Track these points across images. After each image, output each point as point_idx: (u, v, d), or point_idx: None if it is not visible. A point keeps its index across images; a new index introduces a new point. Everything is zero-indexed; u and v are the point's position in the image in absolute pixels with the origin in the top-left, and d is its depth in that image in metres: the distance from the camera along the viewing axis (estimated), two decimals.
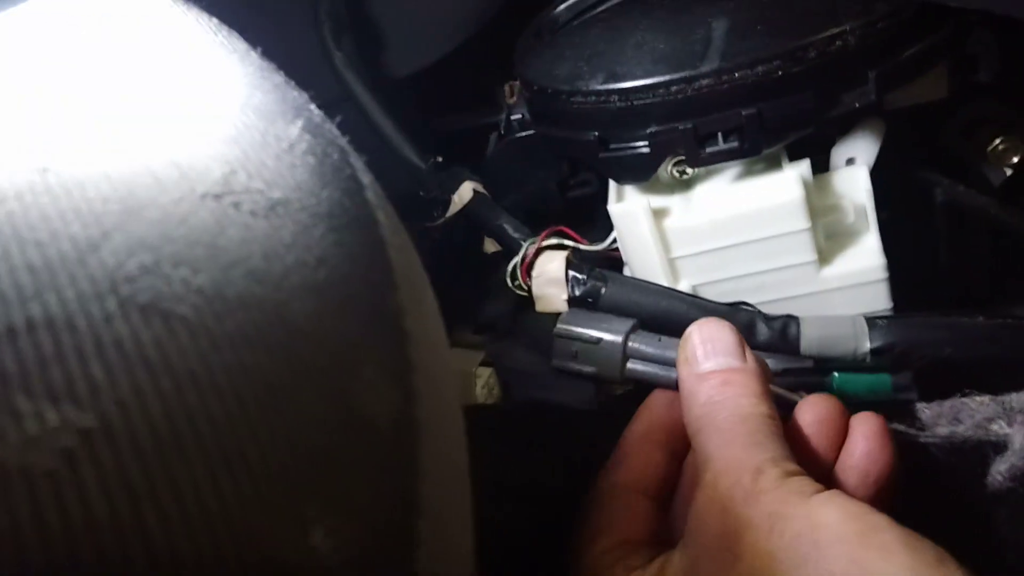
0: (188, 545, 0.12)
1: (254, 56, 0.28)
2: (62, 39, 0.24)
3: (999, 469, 0.39)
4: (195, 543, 0.12)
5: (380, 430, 0.16)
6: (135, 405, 0.13)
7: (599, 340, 0.44)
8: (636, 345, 0.44)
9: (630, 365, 0.44)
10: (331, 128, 0.27)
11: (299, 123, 0.24)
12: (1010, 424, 0.40)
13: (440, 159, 0.58)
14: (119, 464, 0.12)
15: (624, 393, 0.47)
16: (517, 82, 0.53)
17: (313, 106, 0.27)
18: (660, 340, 0.44)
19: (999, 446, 0.39)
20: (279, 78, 0.28)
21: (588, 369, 0.45)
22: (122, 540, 0.12)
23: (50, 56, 0.23)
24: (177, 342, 0.14)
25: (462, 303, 0.62)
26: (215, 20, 0.29)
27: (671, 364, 0.43)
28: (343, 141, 0.26)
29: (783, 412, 0.40)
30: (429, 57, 0.65)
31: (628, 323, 0.44)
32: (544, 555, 0.50)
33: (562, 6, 0.50)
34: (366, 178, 0.25)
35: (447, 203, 0.56)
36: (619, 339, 0.44)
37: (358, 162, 0.26)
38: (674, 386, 0.42)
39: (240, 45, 0.28)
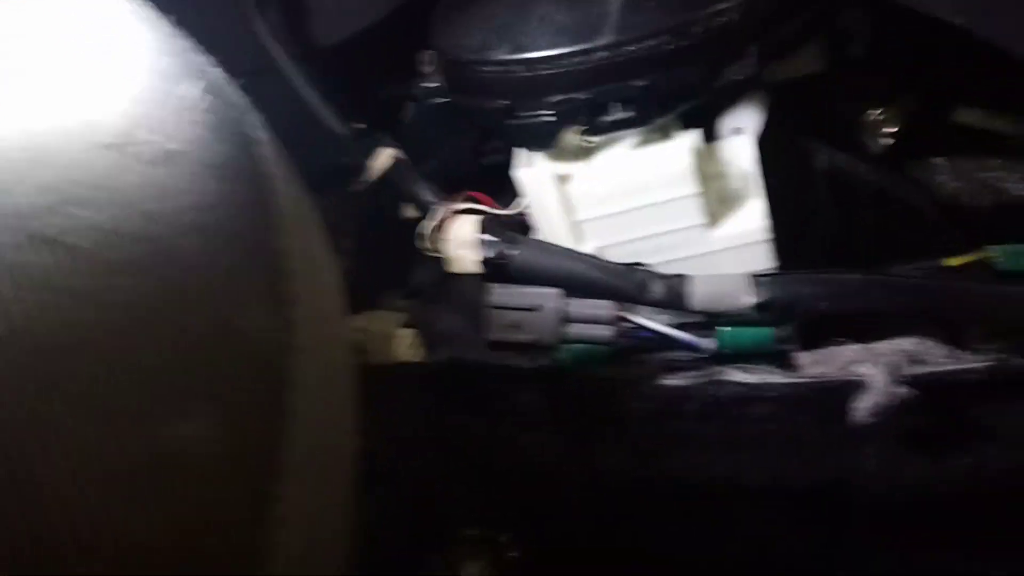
0: (90, 429, 0.15)
1: (163, 24, 0.30)
2: None
3: (863, 406, 0.43)
4: (96, 427, 0.15)
5: (255, 347, 0.19)
6: (39, 317, 0.15)
7: (539, 306, 0.47)
8: (572, 308, 0.47)
9: (568, 328, 0.47)
10: (233, 91, 0.29)
11: (201, 84, 0.26)
12: (873, 366, 0.44)
13: (362, 126, 0.60)
14: (26, 364, 0.15)
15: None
16: (431, 51, 0.55)
17: (217, 69, 0.30)
18: (589, 302, 0.47)
19: (862, 385, 0.43)
20: (185, 43, 0.30)
21: (528, 337, 0.47)
22: (37, 428, 0.14)
23: None
24: (77, 269, 0.17)
25: (390, 269, 0.65)
26: None
27: (605, 322, 0.46)
28: (244, 102, 0.29)
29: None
30: (356, 26, 0.66)
31: (556, 291, 0.47)
32: (468, 501, 0.53)
33: None
34: (262, 136, 0.27)
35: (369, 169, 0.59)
36: (557, 304, 0.47)
37: (255, 121, 0.28)
38: (610, 343, 0.46)
39: (150, 13, 0.30)
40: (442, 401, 0.53)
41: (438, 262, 0.54)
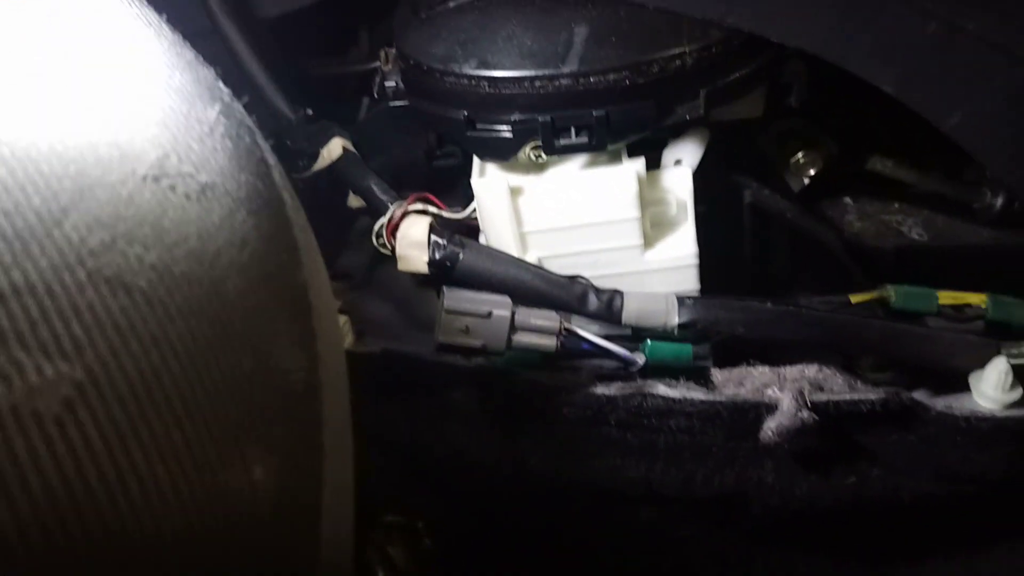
0: (163, 472, 0.16)
1: (166, 29, 0.30)
2: None
3: (769, 426, 0.48)
4: (169, 471, 0.16)
5: (294, 388, 0.20)
6: (113, 362, 0.16)
7: (490, 313, 0.48)
8: (521, 317, 0.49)
9: (516, 336, 0.49)
10: (240, 108, 0.29)
11: (216, 106, 0.27)
12: (781, 390, 0.49)
13: (310, 111, 0.61)
14: (107, 410, 0.16)
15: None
16: (393, 49, 0.56)
17: (222, 84, 0.30)
18: (535, 312, 0.49)
19: (771, 407, 0.48)
20: (190, 54, 0.30)
21: (476, 343, 0.49)
22: (116, 468, 0.15)
23: None
24: (139, 311, 0.18)
25: (321, 251, 0.65)
26: None
27: (550, 333, 0.49)
28: (251, 121, 0.29)
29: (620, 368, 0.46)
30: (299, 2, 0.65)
31: (507, 300, 0.49)
32: (394, 488, 0.55)
33: None
34: (272, 159, 0.28)
35: (314, 156, 0.59)
36: (507, 312, 0.48)
37: (264, 143, 0.29)
38: (551, 352, 0.49)
39: (153, 17, 0.30)
40: (373, 390, 0.54)
41: (371, 249, 0.56)
